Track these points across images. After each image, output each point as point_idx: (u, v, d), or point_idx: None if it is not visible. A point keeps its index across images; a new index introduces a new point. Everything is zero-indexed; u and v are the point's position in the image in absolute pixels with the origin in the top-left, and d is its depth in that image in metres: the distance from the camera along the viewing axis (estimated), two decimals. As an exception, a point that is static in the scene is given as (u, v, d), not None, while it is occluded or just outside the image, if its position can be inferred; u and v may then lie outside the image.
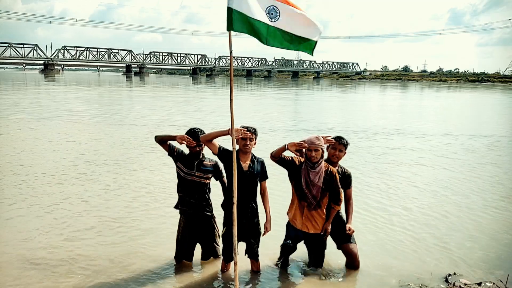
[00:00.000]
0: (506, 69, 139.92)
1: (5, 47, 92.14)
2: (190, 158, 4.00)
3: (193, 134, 3.88)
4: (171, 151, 4.05)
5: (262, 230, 3.94)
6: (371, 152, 10.60)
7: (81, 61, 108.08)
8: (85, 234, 5.02)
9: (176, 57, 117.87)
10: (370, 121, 18.12)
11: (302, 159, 3.90)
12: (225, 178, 4.05)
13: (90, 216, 5.61)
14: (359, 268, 4.24)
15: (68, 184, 7.07)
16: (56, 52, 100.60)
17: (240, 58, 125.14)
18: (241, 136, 3.66)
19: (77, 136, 11.75)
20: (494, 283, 3.95)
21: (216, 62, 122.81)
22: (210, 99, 31.36)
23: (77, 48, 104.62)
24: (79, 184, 7.09)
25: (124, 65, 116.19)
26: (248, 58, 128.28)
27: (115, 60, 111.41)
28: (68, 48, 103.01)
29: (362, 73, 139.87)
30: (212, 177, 4.13)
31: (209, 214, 4.13)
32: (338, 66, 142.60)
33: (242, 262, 3.95)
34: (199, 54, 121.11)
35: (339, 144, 3.97)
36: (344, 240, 4.16)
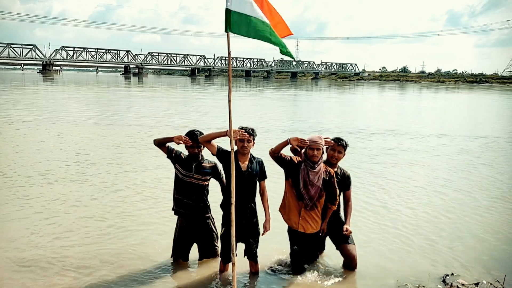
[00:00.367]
0: (504, 70, 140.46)
1: (3, 48, 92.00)
2: (189, 160, 4.00)
3: (192, 135, 3.90)
4: (170, 153, 4.06)
5: (261, 230, 3.94)
6: (366, 153, 10.62)
7: (80, 61, 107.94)
8: (78, 234, 5.01)
9: (174, 58, 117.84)
10: (366, 122, 18.16)
11: (301, 159, 3.90)
12: (224, 179, 4.06)
13: (83, 217, 5.59)
14: (356, 269, 4.25)
15: (59, 184, 7.06)
16: (54, 53, 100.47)
17: (238, 59, 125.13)
18: (239, 137, 3.65)
19: (70, 137, 11.73)
20: (491, 283, 3.97)
21: (215, 63, 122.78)
22: (206, 99, 31.30)
23: (76, 49, 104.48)
24: (72, 184, 7.08)
25: (123, 65, 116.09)
26: (246, 58, 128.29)
27: (113, 60, 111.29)
28: (66, 48, 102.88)
29: (361, 74, 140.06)
30: (212, 178, 4.14)
31: (207, 215, 4.14)
32: (337, 67, 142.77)
33: (240, 263, 3.96)
34: (198, 55, 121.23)
35: (338, 146, 3.98)
36: (342, 241, 4.17)
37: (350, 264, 4.22)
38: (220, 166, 4.01)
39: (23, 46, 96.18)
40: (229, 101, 3.43)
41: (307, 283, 4.01)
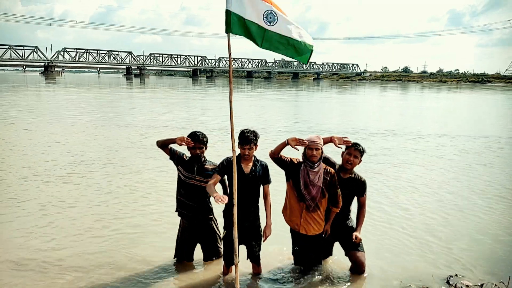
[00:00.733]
0: (506, 70, 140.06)
1: (5, 49, 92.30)
2: (191, 161, 3.99)
3: (194, 136, 3.88)
4: (172, 155, 4.05)
5: (261, 242, 3.91)
6: (367, 152, 10.58)
7: (81, 63, 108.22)
8: (76, 236, 5.00)
9: (176, 59, 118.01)
10: (366, 122, 18.15)
11: (300, 160, 3.88)
12: (226, 181, 4.05)
13: (81, 218, 5.59)
14: (354, 272, 4.22)
15: (56, 185, 7.05)
16: (56, 54, 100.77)
17: (240, 60, 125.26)
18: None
19: (67, 138, 11.75)
20: (495, 285, 3.94)
21: (216, 64, 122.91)
22: (205, 100, 31.33)
23: (77, 50, 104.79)
24: (68, 185, 7.07)
25: (124, 67, 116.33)
26: (248, 59, 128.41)
27: (115, 62, 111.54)
28: (68, 50, 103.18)
29: (362, 74, 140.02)
30: None
31: (209, 217, 4.13)
32: (338, 67, 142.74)
33: (243, 265, 3.95)
34: (199, 56, 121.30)
35: (354, 150, 3.88)
36: (352, 247, 4.09)
37: (358, 270, 4.16)
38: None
39: (25, 48, 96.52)
40: (230, 102, 3.42)
41: (310, 283, 3.99)
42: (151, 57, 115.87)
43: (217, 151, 9.08)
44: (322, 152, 3.76)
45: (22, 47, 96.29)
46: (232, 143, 3.47)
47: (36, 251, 4.57)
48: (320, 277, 4.09)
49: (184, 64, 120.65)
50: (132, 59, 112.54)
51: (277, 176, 4.22)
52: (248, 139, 3.62)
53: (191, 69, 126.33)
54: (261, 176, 3.81)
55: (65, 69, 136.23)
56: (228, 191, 3.88)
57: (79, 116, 17.61)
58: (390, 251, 4.84)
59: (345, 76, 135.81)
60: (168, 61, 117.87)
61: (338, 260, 4.39)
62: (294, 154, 4.04)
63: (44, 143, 10.83)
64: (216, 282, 3.97)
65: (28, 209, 5.85)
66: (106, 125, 14.98)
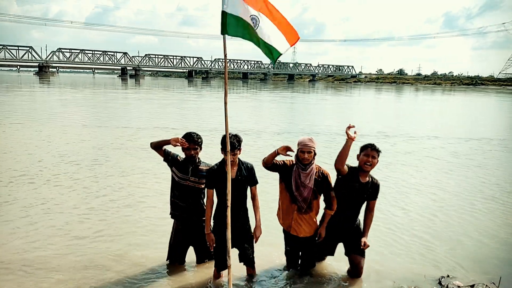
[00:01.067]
0: (499, 73, 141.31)
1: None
2: (185, 162, 3.98)
3: (189, 137, 3.88)
4: (166, 156, 4.04)
5: (253, 243, 3.88)
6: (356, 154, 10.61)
7: (76, 63, 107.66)
8: (66, 239, 4.95)
9: (171, 60, 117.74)
10: (359, 124, 18.09)
11: (293, 161, 3.88)
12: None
13: (71, 221, 5.54)
14: (350, 276, 4.24)
15: (46, 186, 7.01)
16: (51, 54, 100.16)
17: (236, 61, 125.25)
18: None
19: (57, 138, 11.69)
20: (486, 285, 3.98)
21: (212, 65, 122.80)
22: (197, 101, 31.29)
23: (72, 50, 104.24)
24: (58, 187, 7.02)
25: (120, 67, 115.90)
26: (244, 61, 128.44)
27: (110, 62, 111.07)
28: (63, 50, 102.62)
29: (358, 76, 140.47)
30: None
31: (203, 218, 4.12)
32: (334, 69, 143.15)
33: (235, 268, 3.92)
34: (195, 57, 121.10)
35: (371, 151, 3.78)
36: (355, 250, 4.03)
37: (356, 274, 4.14)
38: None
39: (20, 48, 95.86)
40: (225, 103, 3.43)
41: (304, 284, 4.00)
42: (147, 58, 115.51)
43: (207, 153, 9.08)
44: (315, 154, 3.76)
45: (17, 47, 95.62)
46: (227, 144, 3.46)
47: (25, 254, 4.52)
48: (313, 278, 4.10)
49: (180, 65, 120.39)
50: (128, 59, 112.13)
51: (266, 178, 4.22)
52: (232, 145, 3.55)
53: (187, 70, 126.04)
54: (248, 178, 3.77)
55: (59, 69, 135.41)
56: (217, 198, 3.84)
57: (70, 117, 17.47)
58: (383, 252, 4.86)
59: (341, 78, 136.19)
60: (163, 62, 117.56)
61: (332, 260, 4.39)
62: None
63: (32, 144, 10.75)
64: (208, 285, 3.96)
65: (13, 210, 5.80)
66: (96, 126, 14.93)
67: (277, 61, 3.65)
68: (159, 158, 4.13)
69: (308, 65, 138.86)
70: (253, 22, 3.32)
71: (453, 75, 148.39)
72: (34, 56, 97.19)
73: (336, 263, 4.37)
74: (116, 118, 17.78)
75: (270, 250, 4.59)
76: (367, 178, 3.89)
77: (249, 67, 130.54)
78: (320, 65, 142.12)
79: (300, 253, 4.10)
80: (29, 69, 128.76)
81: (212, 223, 3.87)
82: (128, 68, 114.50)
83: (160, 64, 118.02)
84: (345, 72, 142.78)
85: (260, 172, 3.92)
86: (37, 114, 17.95)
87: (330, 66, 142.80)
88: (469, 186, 7.91)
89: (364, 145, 3.85)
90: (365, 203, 3.99)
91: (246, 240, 3.85)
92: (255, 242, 3.89)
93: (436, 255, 4.83)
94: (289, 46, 3.46)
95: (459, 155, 11.03)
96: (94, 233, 5.16)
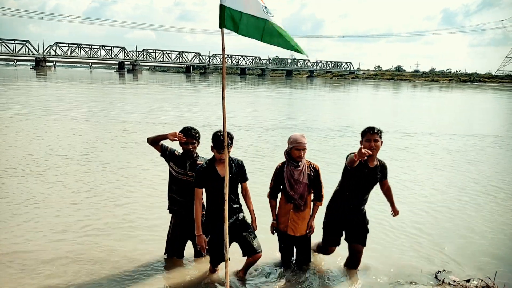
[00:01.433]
0: (497, 70, 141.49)
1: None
2: (183, 157, 3.98)
3: (187, 132, 3.88)
4: (164, 152, 4.03)
5: (252, 229, 3.85)
6: (349, 149, 10.62)
7: (73, 57, 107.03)
8: (62, 234, 4.93)
9: (169, 55, 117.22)
10: (354, 119, 18.27)
11: (279, 162, 3.90)
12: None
13: (69, 214, 5.55)
14: (348, 266, 4.28)
15: (39, 181, 6.98)
16: (48, 49, 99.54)
17: (234, 56, 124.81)
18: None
19: (49, 132, 11.67)
20: (482, 280, 4.01)
21: (210, 60, 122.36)
22: (192, 96, 31.24)
23: (70, 45, 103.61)
24: (52, 181, 7.00)
25: (117, 62, 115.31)
26: (242, 56, 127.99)
27: (107, 57, 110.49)
28: (60, 44, 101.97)
29: (356, 72, 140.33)
30: None
31: (202, 213, 4.12)
32: (332, 65, 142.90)
33: (233, 263, 3.91)
34: (193, 52, 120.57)
35: (371, 134, 3.67)
36: (358, 240, 4.04)
37: (354, 264, 4.18)
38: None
39: (16, 42, 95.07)
40: (223, 97, 3.41)
41: (301, 279, 4.03)
42: (144, 53, 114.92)
43: (204, 148, 9.06)
44: (305, 150, 3.78)
45: (13, 41, 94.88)
46: (224, 138, 3.45)
47: (8, 245, 4.51)
48: (309, 273, 4.12)
49: (178, 60, 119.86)
50: (125, 54, 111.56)
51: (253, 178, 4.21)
52: (224, 144, 3.47)
53: (185, 66, 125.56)
54: (238, 174, 3.75)
55: (57, 63, 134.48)
56: (207, 197, 3.82)
57: (63, 111, 17.35)
58: (379, 247, 4.88)
59: (339, 74, 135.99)
60: (161, 57, 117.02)
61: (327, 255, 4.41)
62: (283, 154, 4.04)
63: (23, 137, 10.70)
64: (206, 279, 3.97)
65: (3, 204, 5.77)
66: (89, 120, 14.88)
67: (276, 56, 3.57)
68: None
69: (306, 61, 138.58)
70: (268, 10, 3.24)
71: (451, 72, 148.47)
72: (31, 50, 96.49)
73: (331, 257, 4.38)
74: (111, 112, 17.71)
75: (264, 246, 4.59)
76: (375, 162, 3.86)
77: (247, 62, 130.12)
78: (318, 61, 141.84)
79: (296, 249, 4.12)
80: (26, 63, 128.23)
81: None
82: (125, 62, 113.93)
83: (158, 59, 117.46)
84: (343, 69, 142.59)
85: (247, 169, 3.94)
86: (31, 108, 17.87)
87: (328, 62, 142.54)
88: (464, 182, 7.94)
89: (363, 131, 3.76)
90: (379, 185, 4.01)
91: (244, 228, 3.78)
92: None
93: (432, 250, 4.86)
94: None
95: (454, 152, 11.07)
96: (85, 227, 5.14)
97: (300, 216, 3.87)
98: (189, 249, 4.27)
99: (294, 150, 3.72)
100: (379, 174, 3.91)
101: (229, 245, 3.58)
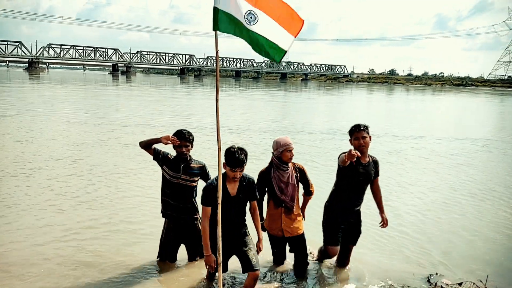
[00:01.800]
0: (489, 74, 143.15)
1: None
2: (177, 160, 3.95)
3: (180, 134, 3.85)
4: (157, 155, 3.98)
5: (253, 245, 3.63)
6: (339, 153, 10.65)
7: (67, 59, 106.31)
8: (53, 236, 4.86)
9: (164, 57, 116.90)
10: (344, 122, 18.21)
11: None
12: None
13: (55, 217, 5.48)
14: (341, 268, 4.29)
15: (24, 183, 6.91)
16: (41, 50, 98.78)
17: (228, 59, 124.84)
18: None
19: (36, 134, 11.57)
20: (474, 283, 4.03)
21: (205, 63, 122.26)
22: (183, 99, 31.11)
23: (63, 46, 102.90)
24: (41, 183, 6.93)
25: (111, 64, 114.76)
26: (236, 59, 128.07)
27: (101, 59, 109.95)
28: (53, 46, 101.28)
29: (350, 75, 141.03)
30: (200, 179, 4.09)
31: (195, 216, 4.10)
32: (326, 68, 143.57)
33: (229, 266, 3.89)
34: (188, 54, 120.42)
35: (358, 132, 3.71)
36: (352, 241, 4.14)
37: (345, 261, 4.27)
38: (208, 167, 3.99)
39: (9, 43, 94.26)
40: (217, 100, 3.40)
41: (292, 280, 4.02)
42: (138, 55, 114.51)
43: (195, 151, 9.03)
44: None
45: (6, 42, 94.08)
46: (218, 141, 3.40)
47: (8, 254, 4.44)
48: (302, 277, 4.12)
49: (172, 63, 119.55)
50: (119, 56, 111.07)
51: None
52: (239, 161, 3.26)
53: (179, 68, 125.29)
54: (248, 194, 3.53)
55: (50, 65, 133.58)
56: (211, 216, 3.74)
57: (54, 113, 17.20)
58: (371, 250, 4.89)
59: (333, 78, 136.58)
60: (155, 59, 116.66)
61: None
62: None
63: (10, 139, 10.59)
64: (199, 282, 3.94)
65: None
66: (79, 122, 14.77)
67: (270, 59, 3.56)
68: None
69: (301, 64, 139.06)
70: (250, 18, 3.24)
71: (443, 75, 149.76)
72: (23, 52, 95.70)
73: (324, 262, 4.38)
74: (100, 114, 17.53)
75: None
76: (367, 158, 3.90)
77: (242, 65, 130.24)
78: (312, 64, 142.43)
79: (293, 250, 4.09)
80: (18, 64, 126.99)
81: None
82: (119, 64, 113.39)
83: (152, 61, 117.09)
84: (337, 72, 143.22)
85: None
86: (20, 109, 17.68)
87: (323, 66, 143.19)
88: (455, 185, 8.00)
89: (350, 130, 3.80)
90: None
91: (245, 244, 3.57)
92: (257, 254, 3.64)
93: (424, 253, 4.87)
94: (293, 38, 3.31)
95: (444, 155, 11.14)
96: (76, 230, 5.08)
97: (292, 217, 3.88)
98: (182, 253, 4.24)
99: (286, 152, 3.74)
100: (373, 169, 3.93)
101: (229, 257, 3.55)
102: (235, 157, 3.25)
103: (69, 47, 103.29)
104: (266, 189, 3.90)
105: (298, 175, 3.89)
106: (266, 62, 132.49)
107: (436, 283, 4.07)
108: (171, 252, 4.20)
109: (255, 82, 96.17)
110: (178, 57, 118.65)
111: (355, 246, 4.24)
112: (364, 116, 22.38)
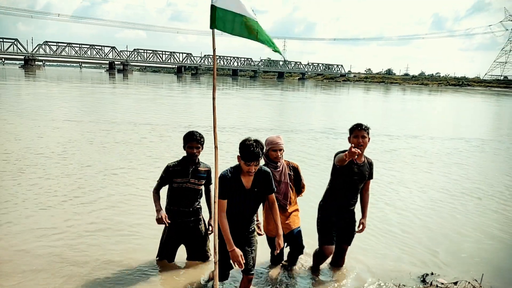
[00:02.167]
0: (485, 74, 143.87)
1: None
2: (185, 163, 3.91)
3: (192, 136, 3.83)
4: (165, 181, 3.94)
5: (256, 248, 3.53)
6: (333, 152, 10.66)
7: (63, 57, 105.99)
8: (49, 238, 4.83)
9: (161, 55, 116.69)
10: (339, 121, 18.31)
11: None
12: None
13: (56, 216, 5.45)
14: (336, 269, 4.29)
15: (21, 182, 6.86)
16: (37, 47, 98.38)
17: (225, 58, 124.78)
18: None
19: (28, 131, 11.49)
20: (469, 282, 4.04)
21: (202, 61, 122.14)
22: (178, 97, 31.16)
23: (59, 44, 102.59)
24: (36, 181, 6.88)
25: (107, 62, 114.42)
26: (233, 57, 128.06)
27: (98, 56, 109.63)
28: (49, 43, 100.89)
29: (347, 75, 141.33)
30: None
31: (199, 217, 4.10)
32: (323, 67, 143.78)
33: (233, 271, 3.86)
34: (185, 53, 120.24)
35: (359, 130, 3.66)
36: (347, 241, 4.11)
37: (340, 262, 4.27)
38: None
39: (5, 40, 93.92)
40: (213, 98, 3.39)
41: (288, 280, 4.03)
42: (135, 53, 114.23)
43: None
44: (283, 151, 3.82)
45: (1, 39, 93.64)
46: (215, 139, 3.38)
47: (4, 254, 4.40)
48: (298, 274, 4.14)
49: (169, 61, 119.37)
50: (116, 54, 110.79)
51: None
52: (255, 155, 3.02)
53: (176, 66, 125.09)
54: (265, 187, 3.31)
55: (46, 63, 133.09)
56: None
57: (47, 110, 17.07)
58: (366, 249, 4.89)
59: (330, 77, 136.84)
60: (152, 57, 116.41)
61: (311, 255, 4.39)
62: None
63: (1, 136, 10.53)
64: (196, 282, 3.93)
65: None
66: (72, 119, 14.69)
67: (267, 58, 3.55)
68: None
69: (298, 63, 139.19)
70: (253, 11, 3.24)
71: (440, 75, 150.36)
72: (19, 49, 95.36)
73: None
74: (94, 112, 17.46)
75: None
76: (363, 159, 3.88)
77: (239, 64, 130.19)
78: (309, 64, 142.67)
79: (289, 246, 4.08)
80: (14, 62, 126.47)
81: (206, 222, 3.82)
82: (116, 62, 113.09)
83: (149, 59, 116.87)
84: (335, 71, 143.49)
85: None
86: (13, 107, 17.58)
87: (320, 65, 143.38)
88: (450, 185, 8.03)
89: (352, 127, 3.75)
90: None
91: (249, 244, 3.42)
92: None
93: (420, 253, 4.89)
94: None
95: (440, 154, 11.19)
96: (69, 229, 5.05)
97: (286, 214, 3.90)
98: (181, 253, 4.22)
99: (271, 151, 3.75)
100: (367, 170, 3.91)
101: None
102: (250, 150, 3.00)
103: (65, 44, 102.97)
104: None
105: (292, 173, 3.90)
106: (263, 61, 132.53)
107: (431, 282, 4.08)
108: (171, 251, 4.17)
109: (252, 81, 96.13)
110: (175, 55, 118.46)
111: (349, 246, 4.23)
112: (360, 116, 22.43)
